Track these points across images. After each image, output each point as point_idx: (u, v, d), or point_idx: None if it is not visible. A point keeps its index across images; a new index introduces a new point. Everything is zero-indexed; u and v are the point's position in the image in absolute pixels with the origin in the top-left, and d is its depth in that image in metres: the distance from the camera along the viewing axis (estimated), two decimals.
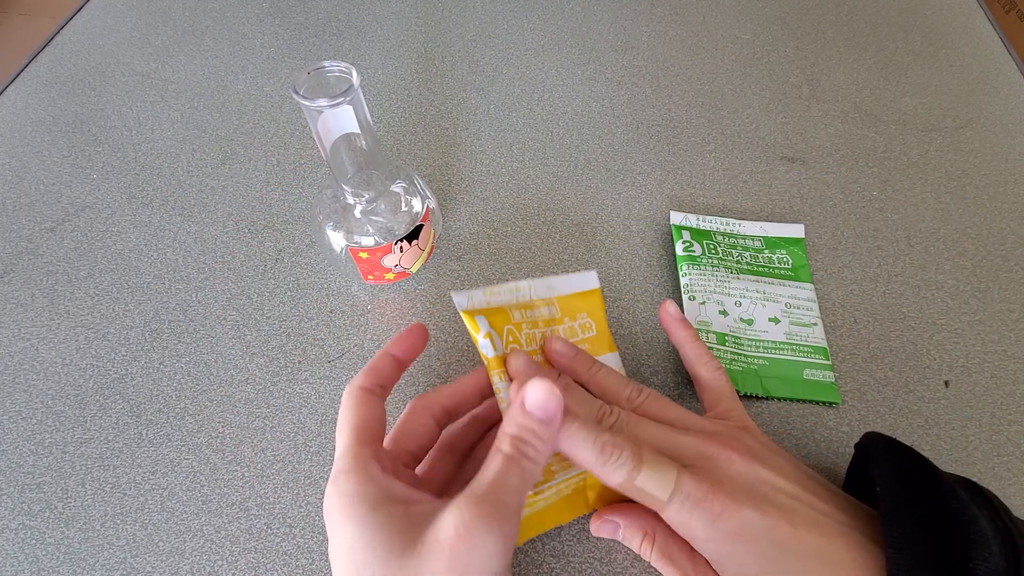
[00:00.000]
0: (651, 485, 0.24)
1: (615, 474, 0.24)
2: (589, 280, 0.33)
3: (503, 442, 0.23)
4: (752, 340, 0.36)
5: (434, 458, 0.30)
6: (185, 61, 0.55)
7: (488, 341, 0.29)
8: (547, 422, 0.23)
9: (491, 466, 0.23)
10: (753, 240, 0.41)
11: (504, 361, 0.29)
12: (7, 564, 0.31)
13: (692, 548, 0.26)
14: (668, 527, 0.26)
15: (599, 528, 0.29)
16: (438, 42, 0.56)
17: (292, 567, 0.30)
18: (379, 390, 0.28)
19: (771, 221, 0.42)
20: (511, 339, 0.30)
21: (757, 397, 0.35)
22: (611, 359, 0.33)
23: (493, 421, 0.32)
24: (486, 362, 0.29)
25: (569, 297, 0.33)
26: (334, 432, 0.34)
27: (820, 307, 0.38)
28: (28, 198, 0.45)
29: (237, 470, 0.33)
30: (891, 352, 0.37)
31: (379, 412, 0.27)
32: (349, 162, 0.34)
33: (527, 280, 0.32)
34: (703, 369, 0.31)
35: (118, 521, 0.32)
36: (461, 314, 0.30)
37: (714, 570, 0.26)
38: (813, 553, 0.23)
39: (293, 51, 0.55)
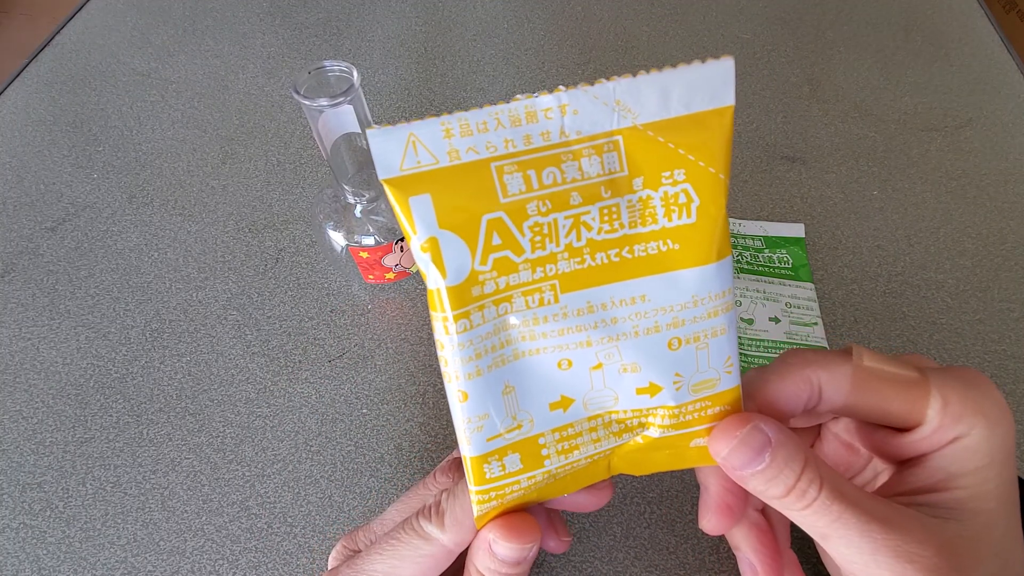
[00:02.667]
0: None
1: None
2: (719, 83, 0.15)
3: None
4: (752, 340, 0.36)
5: None
6: (185, 61, 0.55)
7: (428, 257, 0.15)
8: (520, 563, 0.21)
9: None
10: (753, 240, 0.41)
11: (467, 297, 0.16)
12: (8, 563, 0.31)
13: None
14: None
15: (732, 452, 0.18)
16: (438, 42, 0.56)
17: (293, 567, 0.30)
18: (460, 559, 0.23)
19: (771, 221, 0.42)
20: (499, 241, 0.15)
21: None
22: (711, 274, 0.16)
23: None
24: (428, 294, 0.16)
25: (658, 127, 0.15)
26: (335, 431, 0.34)
27: (820, 307, 0.38)
28: (28, 198, 0.45)
29: (238, 469, 0.33)
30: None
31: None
32: (349, 162, 0.34)
33: (554, 93, 0.15)
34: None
35: (119, 520, 0.32)
36: (384, 186, 0.15)
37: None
38: None
39: (293, 51, 0.55)
